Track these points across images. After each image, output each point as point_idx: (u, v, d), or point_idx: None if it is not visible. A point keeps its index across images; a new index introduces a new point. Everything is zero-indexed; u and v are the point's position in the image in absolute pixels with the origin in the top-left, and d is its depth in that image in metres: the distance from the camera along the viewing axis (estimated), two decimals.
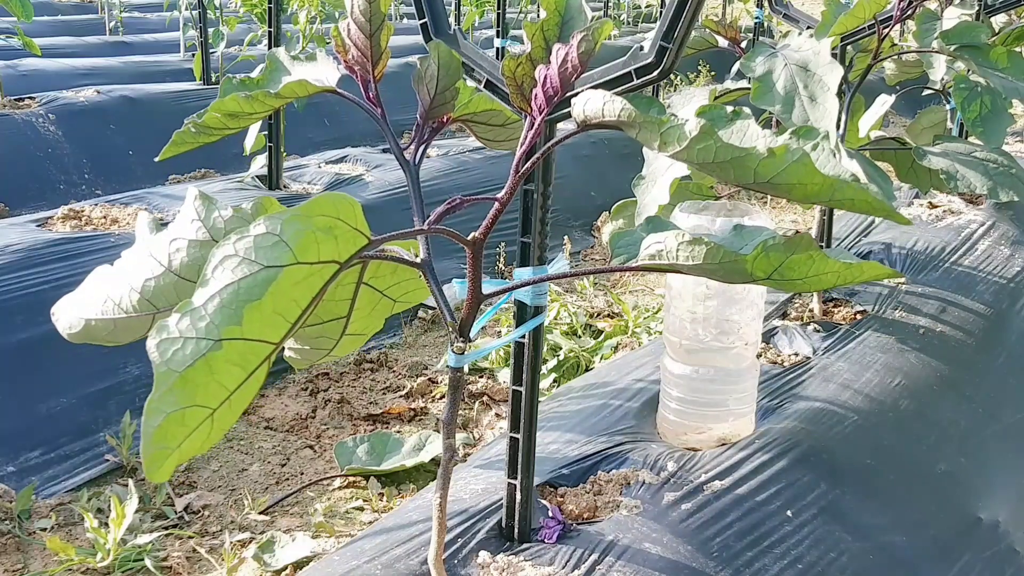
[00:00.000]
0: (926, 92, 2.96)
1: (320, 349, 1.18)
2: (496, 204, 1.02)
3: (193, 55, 4.83)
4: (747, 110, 0.91)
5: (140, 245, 0.97)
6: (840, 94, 2.07)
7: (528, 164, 1.04)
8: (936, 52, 2.08)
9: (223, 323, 0.76)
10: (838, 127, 2.06)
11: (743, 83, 2.03)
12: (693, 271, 0.96)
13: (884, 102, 2.19)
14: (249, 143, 3.20)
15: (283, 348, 1.22)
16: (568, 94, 1.02)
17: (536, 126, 1.04)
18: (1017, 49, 1.98)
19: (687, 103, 1.83)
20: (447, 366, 1.13)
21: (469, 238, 1.04)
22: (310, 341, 1.18)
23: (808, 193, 0.87)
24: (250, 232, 0.79)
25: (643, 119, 0.87)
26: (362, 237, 0.89)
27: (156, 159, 1.24)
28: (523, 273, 1.20)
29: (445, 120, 1.18)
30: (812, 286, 0.95)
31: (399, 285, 1.16)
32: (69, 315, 1.00)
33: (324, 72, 1.15)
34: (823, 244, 2.21)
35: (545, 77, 1.00)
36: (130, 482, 1.93)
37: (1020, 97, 1.88)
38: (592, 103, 0.93)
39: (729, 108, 0.91)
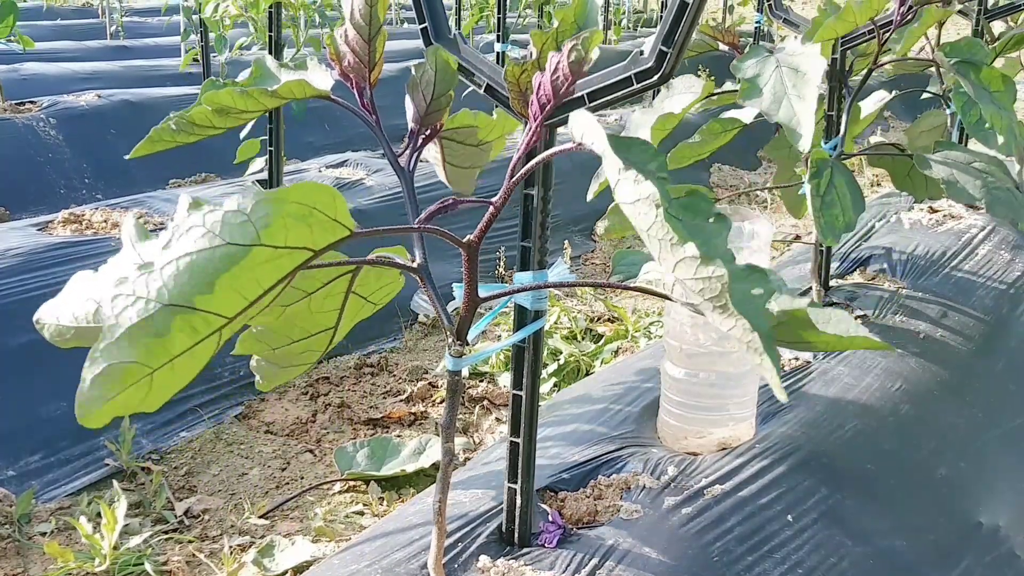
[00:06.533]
0: (925, 95, 2.96)
1: (302, 364, 1.18)
2: (491, 208, 1.03)
3: (195, 59, 4.83)
4: (728, 221, 0.87)
5: (127, 251, 0.97)
6: (840, 99, 2.07)
7: (524, 169, 1.04)
8: (935, 63, 2.08)
9: (175, 289, 0.78)
10: (837, 132, 2.06)
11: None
12: (687, 306, 0.96)
13: (880, 98, 2.19)
14: (244, 132, 3.20)
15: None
16: (565, 100, 1.03)
17: (532, 131, 1.05)
18: (1012, 59, 1.98)
19: (687, 90, 1.83)
20: (446, 370, 1.13)
21: (464, 240, 1.04)
22: (294, 358, 1.17)
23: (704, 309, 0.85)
24: (222, 206, 0.80)
25: (610, 158, 0.85)
26: (342, 228, 0.89)
27: (126, 157, 1.22)
28: (523, 277, 1.20)
29: (439, 127, 1.18)
30: (799, 348, 0.96)
31: (381, 290, 1.16)
32: (56, 321, 1.00)
33: (317, 78, 1.16)
34: (822, 250, 2.21)
35: (539, 85, 1.01)
36: (115, 484, 1.92)
37: (1001, 124, 1.86)
38: (577, 126, 0.92)
39: (716, 209, 0.87)
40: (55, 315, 1.00)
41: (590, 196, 1.71)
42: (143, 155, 1.15)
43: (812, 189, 1.76)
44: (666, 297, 0.97)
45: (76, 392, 0.76)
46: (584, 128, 0.90)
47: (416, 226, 1.02)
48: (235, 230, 0.80)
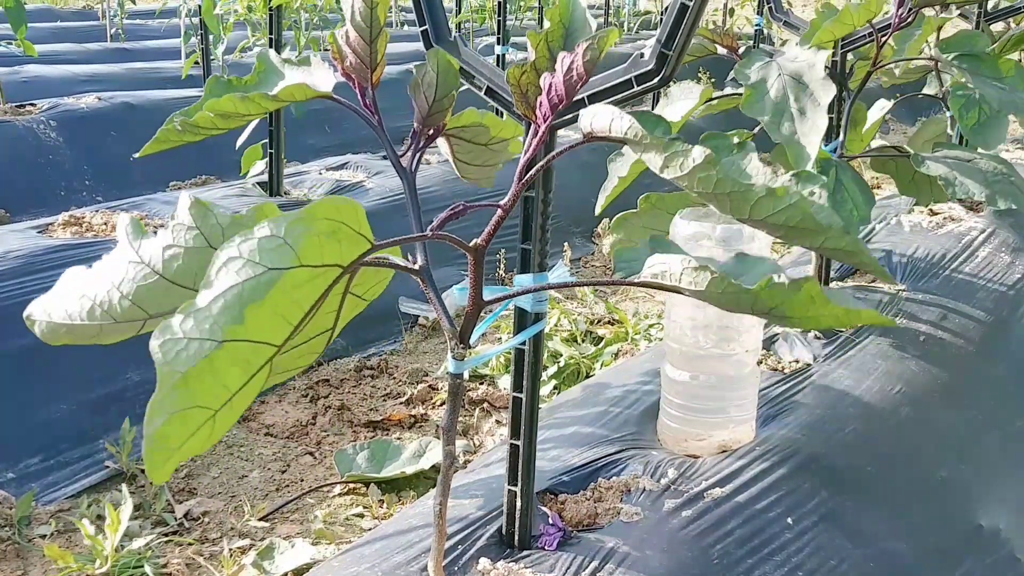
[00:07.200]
0: (926, 98, 2.96)
1: (299, 367, 1.17)
2: (499, 211, 1.03)
3: (196, 63, 4.83)
4: (751, 143, 0.92)
5: (122, 249, 0.96)
6: (840, 101, 2.07)
7: (532, 171, 1.04)
8: (934, 60, 2.08)
9: (227, 324, 0.76)
10: (838, 134, 2.06)
11: (742, 89, 2.03)
12: (695, 295, 0.96)
13: (883, 107, 2.18)
14: (242, 136, 3.20)
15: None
16: (572, 101, 1.03)
17: (540, 134, 1.05)
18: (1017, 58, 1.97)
19: (685, 96, 1.84)
20: (447, 372, 1.13)
21: (472, 244, 1.04)
22: (293, 361, 1.16)
23: (799, 237, 0.88)
24: (254, 235, 0.80)
25: (649, 140, 0.87)
26: (365, 241, 0.89)
27: (135, 155, 1.22)
28: (524, 280, 1.20)
29: (441, 128, 1.18)
30: (809, 325, 0.96)
31: (373, 287, 1.16)
32: (47, 318, 1.00)
33: (319, 77, 1.16)
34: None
35: (550, 85, 1.01)
36: (124, 487, 1.92)
37: (1016, 110, 1.86)
38: (600, 119, 0.93)
39: (735, 139, 0.91)
40: (47, 312, 1.00)
41: (598, 210, 1.72)
42: (150, 154, 1.15)
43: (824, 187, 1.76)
44: (676, 290, 0.96)
45: (143, 446, 0.74)
46: (611, 118, 0.91)
47: (429, 233, 1.02)
48: (274, 255, 0.80)
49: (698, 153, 0.85)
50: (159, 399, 0.74)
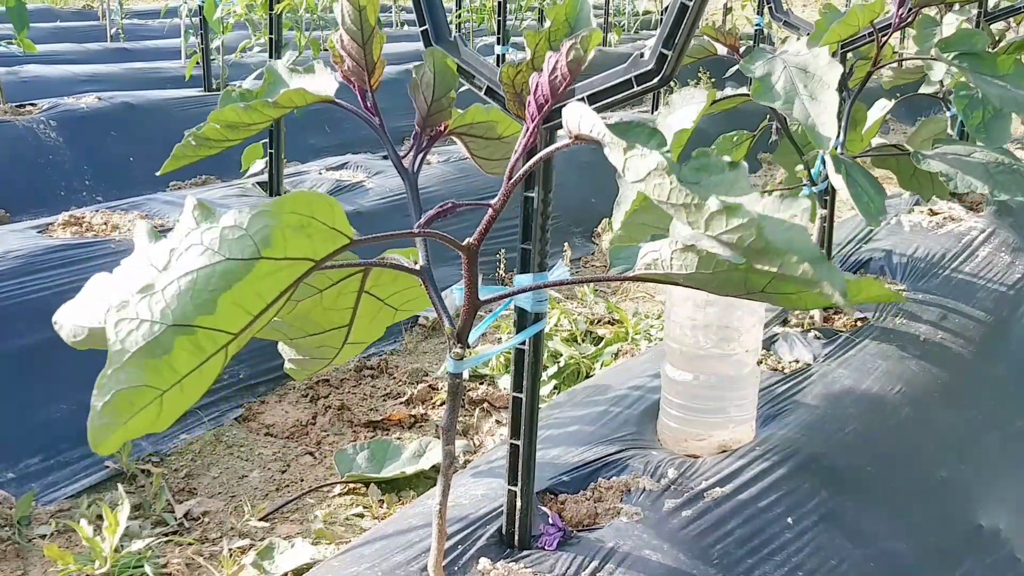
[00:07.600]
0: (926, 98, 2.96)
1: (321, 359, 1.18)
2: (489, 211, 1.02)
3: (197, 63, 4.84)
4: (744, 164, 0.86)
5: (139, 253, 0.97)
6: (840, 101, 2.07)
7: (522, 170, 1.04)
8: (935, 59, 2.08)
9: (178, 309, 0.78)
10: (838, 135, 2.06)
11: (743, 89, 2.03)
12: (688, 281, 0.95)
13: (883, 107, 2.18)
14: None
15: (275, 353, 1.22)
16: (561, 102, 1.02)
17: (530, 133, 1.04)
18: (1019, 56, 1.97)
19: (686, 103, 1.83)
20: (446, 372, 1.13)
21: (464, 243, 1.04)
22: (311, 351, 1.18)
23: (758, 259, 0.82)
24: (218, 223, 0.80)
25: (610, 140, 0.85)
26: (342, 236, 0.89)
27: (157, 173, 1.26)
28: (523, 279, 1.20)
29: (443, 128, 1.18)
30: (807, 301, 0.93)
31: (400, 294, 1.16)
32: (72, 323, 1.01)
33: (322, 82, 1.16)
34: (823, 253, 2.21)
35: (536, 85, 1.01)
36: (120, 488, 1.92)
37: (1017, 108, 1.86)
38: (572, 117, 0.92)
39: (726, 158, 0.87)
40: (72, 316, 1.01)
41: (617, 225, 1.70)
42: (170, 171, 1.19)
43: (844, 181, 1.77)
44: (669, 280, 0.95)
45: (88, 419, 0.75)
46: (579, 117, 0.90)
47: (416, 231, 1.02)
48: (234, 245, 0.80)
49: (653, 161, 0.82)
50: (108, 375, 0.75)
